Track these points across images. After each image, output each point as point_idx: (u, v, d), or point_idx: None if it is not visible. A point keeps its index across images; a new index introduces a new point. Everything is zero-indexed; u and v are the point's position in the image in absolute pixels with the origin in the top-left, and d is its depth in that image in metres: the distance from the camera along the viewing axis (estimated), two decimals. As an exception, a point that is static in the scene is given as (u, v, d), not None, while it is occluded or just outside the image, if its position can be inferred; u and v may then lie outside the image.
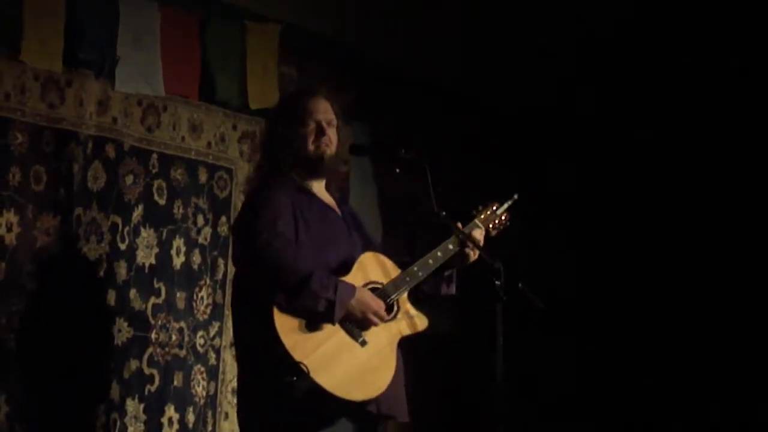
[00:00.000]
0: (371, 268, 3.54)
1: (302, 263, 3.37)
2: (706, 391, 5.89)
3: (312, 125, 3.61)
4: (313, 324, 3.35)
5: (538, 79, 5.91)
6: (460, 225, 3.68)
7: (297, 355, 3.28)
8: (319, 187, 3.69)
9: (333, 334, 3.38)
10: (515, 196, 3.86)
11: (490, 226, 3.80)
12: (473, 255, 3.67)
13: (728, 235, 5.95)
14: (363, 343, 3.43)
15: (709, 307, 5.93)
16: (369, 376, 3.42)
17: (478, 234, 3.73)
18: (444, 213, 3.64)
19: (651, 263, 6.16)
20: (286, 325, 3.31)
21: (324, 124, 3.63)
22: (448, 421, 5.92)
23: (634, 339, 6.10)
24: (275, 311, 3.31)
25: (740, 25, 5.36)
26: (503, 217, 3.85)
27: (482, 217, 3.80)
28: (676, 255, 6.09)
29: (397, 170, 3.71)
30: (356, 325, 3.42)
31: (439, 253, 3.62)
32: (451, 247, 3.63)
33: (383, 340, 3.49)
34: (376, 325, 3.45)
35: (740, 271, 5.90)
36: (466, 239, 3.63)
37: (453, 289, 3.75)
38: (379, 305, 3.45)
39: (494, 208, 3.83)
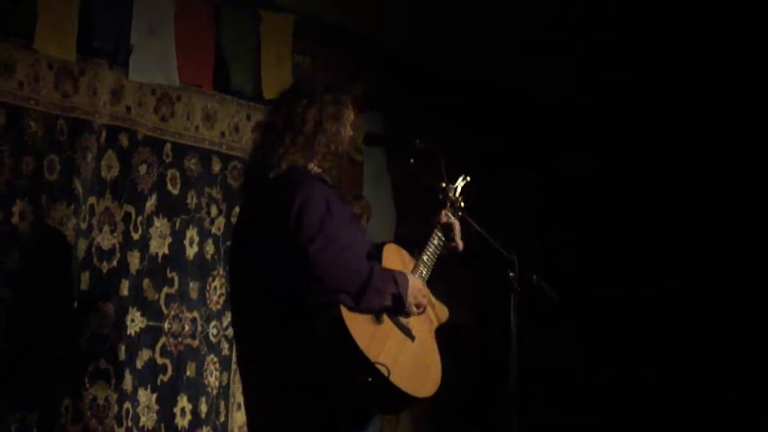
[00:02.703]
0: (397, 258, 3.49)
1: (357, 262, 3.27)
2: (717, 381, 5.89)
3: (352, 131, 3.55)
4: (376, 321, 3.27)
5: (553, 68, 5.88)
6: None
7: (371, 356, 3.16)
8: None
9: (390, 331, 3.30)
10: (467, 177, 3.83)
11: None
12: (461, 245, 3.67)
13: (740, 226, 5.94)
14: (413, 338, 3.38)
15: (723, 299, 5.93)
16: (427, 371, 3.38)
17: (457, 227, 3.70)
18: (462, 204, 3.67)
19: (665, 254, 6.15)
20: (355, 325, 3.18)
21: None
22: (462, 412, 5.91)
23: (647, 330, 6.10)
24: (344, 311, 3.17)
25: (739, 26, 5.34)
26: (461, 198, 3.83)
27: (452, 198, 3.79)
28: (689, 246, 6.08)
29: (412, 160, 3.69)
30: (403, 315, 3.36)
31: (435, 241, 3.62)
32: (439, 235, 3.63)
33: (425, 333, 3.45)
34: (425, 310, 3.41)
35: (751, 261, 5.89)
36: (450, 231, 3.64)
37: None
38: (427, 289, 3.43)
39: (452, 190, 3.80)
